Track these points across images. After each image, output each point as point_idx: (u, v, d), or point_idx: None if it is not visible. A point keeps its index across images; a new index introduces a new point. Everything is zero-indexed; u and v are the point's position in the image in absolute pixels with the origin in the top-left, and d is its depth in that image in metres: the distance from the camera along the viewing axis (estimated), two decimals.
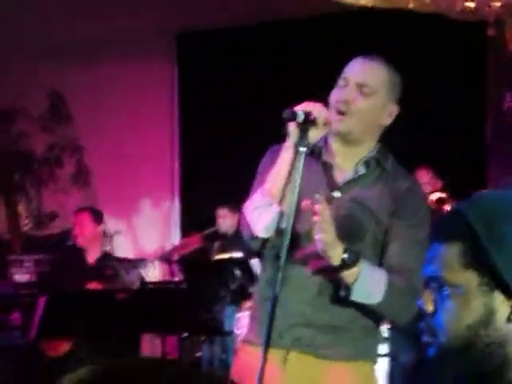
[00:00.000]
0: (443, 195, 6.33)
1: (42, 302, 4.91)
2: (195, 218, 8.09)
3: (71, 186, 8.69)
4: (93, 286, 5.53)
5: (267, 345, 2.54)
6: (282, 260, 2.56)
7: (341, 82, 2.76)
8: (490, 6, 5.34)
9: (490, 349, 1.33)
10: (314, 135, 2.65)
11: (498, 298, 1.33)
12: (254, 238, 2.73)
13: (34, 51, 8.48)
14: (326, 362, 2.71)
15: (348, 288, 2.59)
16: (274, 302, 2.56)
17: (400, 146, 7.33)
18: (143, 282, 6.00)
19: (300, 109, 2.63)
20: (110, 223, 8.50)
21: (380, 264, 2.71)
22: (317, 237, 2.53)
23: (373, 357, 2.82)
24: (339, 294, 2.62)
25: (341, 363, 2.71)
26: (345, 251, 2.54)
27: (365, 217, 2.71)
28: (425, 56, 7.24)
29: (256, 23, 7.89)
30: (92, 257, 5.79)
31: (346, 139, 2.75)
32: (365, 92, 2.73)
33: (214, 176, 7.99)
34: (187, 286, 6.00)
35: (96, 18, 7.94)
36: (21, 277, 7.49)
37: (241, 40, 7.98)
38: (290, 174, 2.65)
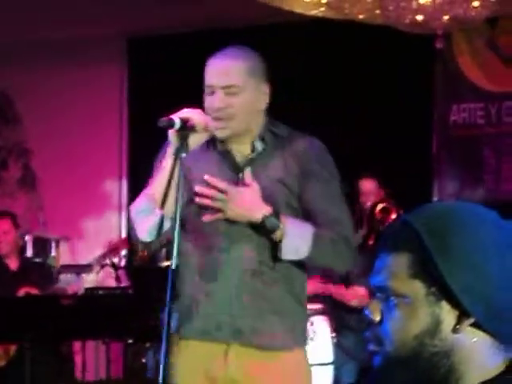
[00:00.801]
0: (388, 205, 6.39)
1: None
2: None
3: (17, 189, 8.59)
4: (26, 291, 5.46)
5: (168, 331, 2.57)
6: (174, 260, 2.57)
7: (207, 90, 2.82)
8: (438, 19, 5.40)
9: (437, 358, 1.34)
10: (195, 140, 2.70)
11: (445, 308, 1.34)
12: (139, 241, 2.79)
13: None
14: (267, 352, 2.76)
15: (277, 248, 2.70)
16: (173, 278, 2.58)
17: (346, 155, 7.41)
18: (89, 288, 5.96)
19: (177, 116, 2.66)
20: (57, 228, 8.43)
21: None
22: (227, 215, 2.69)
23: (306, 343, 2.90)
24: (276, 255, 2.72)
25: (280, 353, 2.78)
26: (265, 217, 2.66)
27: (276, 189, 2.79)
28: (373, 67, 7.30)
29: (208, 28, 7.89)
30: (14, 263, 5.70)
31: (232, 138, 2.82)
32: (233, 92, 2.77)
33: None
34: (133, 291, 5.98)
35: (46, 20, 7.87)
36: None
37: (190, 45, 7.98)
38: (172, 178, 2.70)
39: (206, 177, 2.70)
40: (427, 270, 1.34)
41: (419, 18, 5.38)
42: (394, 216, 6.36)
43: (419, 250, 1.35)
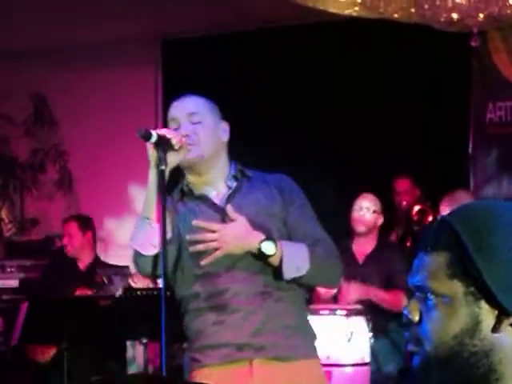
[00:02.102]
0: (424, 206, 6.37)
1: (24, 307, 4.90)
2: None
3: (55, 191, 8.66)
4: (81, 292, 5.54)
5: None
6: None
7: (172, 125, 3.02)
8: (473, 17, 5.36)
9: (476, 358, 1.34)
10: (173, 159, 2.87)
11: (484, 308, 1.34)
12: (143, 258, 2.90)
13: (18, 54, 8.46)
14: (288, 363, 2.90)
15: (279, 270, 2.86)
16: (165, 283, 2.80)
17: (382, 154, 7.38)
18: (127, 288, 5.99)
19: (154, 131, 2.84)
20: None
21: None
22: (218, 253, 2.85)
23: (317, 352, 3.07)
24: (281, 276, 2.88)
25: (300, 362, 2.93)
26: (261, 242, 2.83)
27: (263, 217, 2.96)
28: (409, 66, 7.27)
29: (241, 31, 7.91)
30: (83, 264, 5.81)
31: (200, 169, 3.00)
32: (196, 120, 2.99)
33: None
34: (170, 292, 5.98)
35: (82, 22, 7.93)
36: (3, 282, 7.46)
37: (224, 46, 8.00)
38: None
39: (194, 222, 2.88)
40: (466, 270, 1.34)
41: (454, 16, 5.35)
42: (430, 218, 6.33)
43: (458, 249, 1.35)
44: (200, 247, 2.87)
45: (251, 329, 2.88)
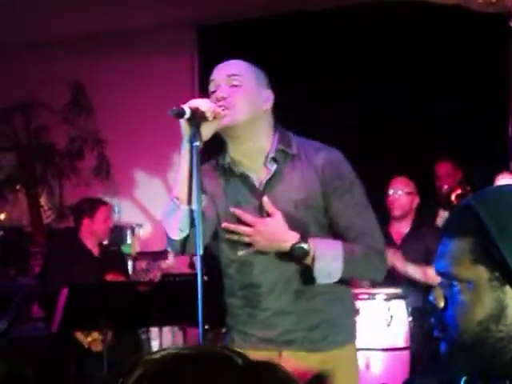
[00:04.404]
0: (464, 191, 6.32)
1: (63, 293, 4.92)
2: None
3: (93, 178, 8.72)
4: (112, 277, 5.55)
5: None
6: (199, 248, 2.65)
7: (211, 87, 2.88)
8: None
9: (502, 344, 1.32)
10: (207, 130, 2.73)
11: (509, 293, 1.32)
12: (172, 240, 2.84)
13: (55, 43, 8.51)
14: (318, 353, 2.86)
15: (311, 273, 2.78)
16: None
17: (423, 140, 7.32)
18: (164, 275, 6.03)
19: (186, 105, 2.69)
20: (132, 216, 8.53)
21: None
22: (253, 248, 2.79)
23: (355, 338, 3.00)
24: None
25: (330, 352, 2.87)
26: (293, 245, 2.74)
27: (300, 210, 2.84)
28: (447, 48, 7.21)
29: (276, 14, 7.88)
30: (96, 250, 5.77)
31: (238, 135, 2.84)
32: (235, 83, 2.85)
33: None
34: (208, 278, 6.00)
35: (116, 10, 7.96)
36: None
37: (260, 31, 7.98)
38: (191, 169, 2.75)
39: (231, 209, 2.82)
40: (490, 254, 1.32)
41: None
42: None
43: (481, 234, 1.33)
44: (234, 238, 2.83)
45: (282, 328, 2.85)
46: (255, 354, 2.80)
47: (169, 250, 3.03)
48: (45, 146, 8.82)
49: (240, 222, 2.83)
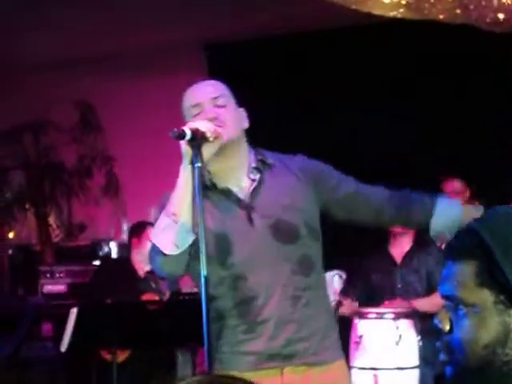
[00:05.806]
0: None
1: (73, 312, 4.93)
2: None
3: (101, 196, 8.73)
4: (147, 296, 5.62)
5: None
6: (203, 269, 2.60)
7: (195, 111, 2.89)
8: None
9: (508, 367, 1.32)
10: (208, 151, 2.73)
11: None
12: (161, 257, 2.78)
13: (65, 62, 8.55)
14: (319, 367, 2.88)
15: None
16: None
17: (431, 156, 7.30)
18: (174, 293, 6.01)
19: (186, 127, 2.69)
20: None
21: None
22: None
23: (343, 355, 3.04)
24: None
25: (329, 365, 2.90)
26: None
27: (289, 214, 2.87)
28: (454, 67, 7.23)
29: (283, 34, 7.91)
30: (142, 270, 5.85)
31: (226, 152, 2.84)
32: (220, 104, 2.89)
33: None
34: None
35: (125, 30, 8.00)
36: (52, 287, 7.53)
37: (268, 51, 8.01)
38: (191, 192, 2.72)
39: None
40: (495, 278, 1.31)
41: (501, 16, 5.29)
42: None
43: (485, 257, 1.32)
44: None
45: (283, 339, 2.82)
46: (257, 376, 2.78)
47: (154, 269, 2.94)
48: (54, 165, 8.84)
49: (226, 238, 2.83)
